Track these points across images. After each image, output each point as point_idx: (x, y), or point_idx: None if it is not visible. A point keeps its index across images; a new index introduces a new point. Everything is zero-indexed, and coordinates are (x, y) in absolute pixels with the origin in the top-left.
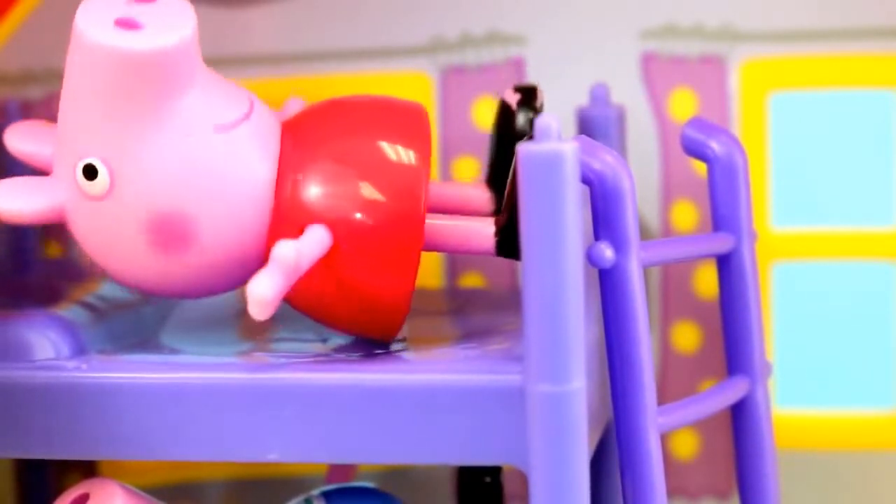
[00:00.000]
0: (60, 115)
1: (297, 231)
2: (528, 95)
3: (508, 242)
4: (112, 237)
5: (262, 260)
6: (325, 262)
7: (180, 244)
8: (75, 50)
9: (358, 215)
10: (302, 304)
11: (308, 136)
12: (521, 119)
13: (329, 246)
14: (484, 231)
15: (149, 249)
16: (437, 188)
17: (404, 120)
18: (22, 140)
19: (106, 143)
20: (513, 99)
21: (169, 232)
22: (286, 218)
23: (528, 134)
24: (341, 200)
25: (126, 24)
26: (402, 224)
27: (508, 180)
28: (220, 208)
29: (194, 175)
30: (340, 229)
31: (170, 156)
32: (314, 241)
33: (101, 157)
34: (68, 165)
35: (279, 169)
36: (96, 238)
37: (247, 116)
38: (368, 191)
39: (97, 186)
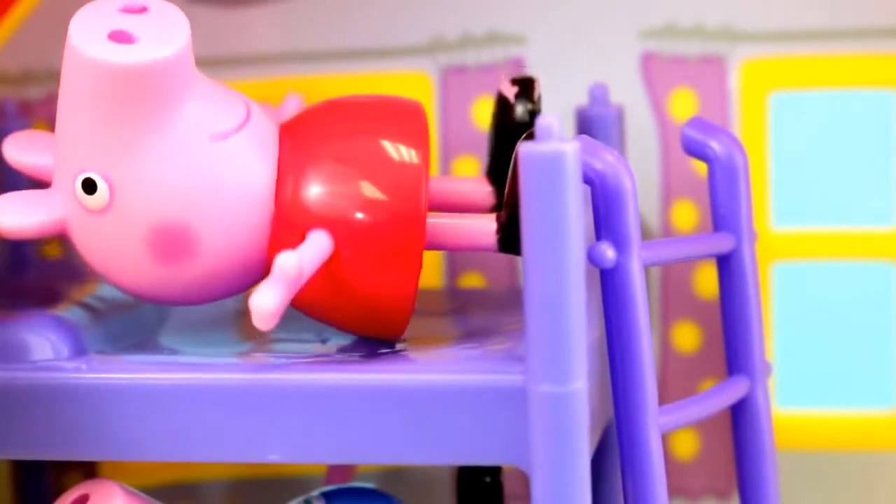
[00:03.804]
0: (58, 129)
1: (298, 233)
2: (526, 87)
3: (511, 239)
4: (114, 249)
5: (264, 264)
6: (328, 263)
7: (182, 255)
8: (70, 64)
9: (359, 215)
10: (306, 306)
11: (307, 137)
12: (519, 110)
13: (331, 251)
14: (486, 228)
15: (151, 261)
16: (437, 183)
17: (403, 118)
18: (20, 151)
19: (104, 157)
20: (510, 91)
21: (170, 243)
22: (287, 221)
23: (526, 125)
24: (342, 200)
25: (120, 37)
26: (403, 222)
27: (509, 176)
28: (220, 217)
29: (193, 185)
30: (342, 229)
31: (168, 167)
32: (315, 249)
33: (100, 170)
34: (67, 179)
35: (278, 172)
36: (98, 250)
37: (243, 123)
38: (369, 190)
39: (97, 200)
